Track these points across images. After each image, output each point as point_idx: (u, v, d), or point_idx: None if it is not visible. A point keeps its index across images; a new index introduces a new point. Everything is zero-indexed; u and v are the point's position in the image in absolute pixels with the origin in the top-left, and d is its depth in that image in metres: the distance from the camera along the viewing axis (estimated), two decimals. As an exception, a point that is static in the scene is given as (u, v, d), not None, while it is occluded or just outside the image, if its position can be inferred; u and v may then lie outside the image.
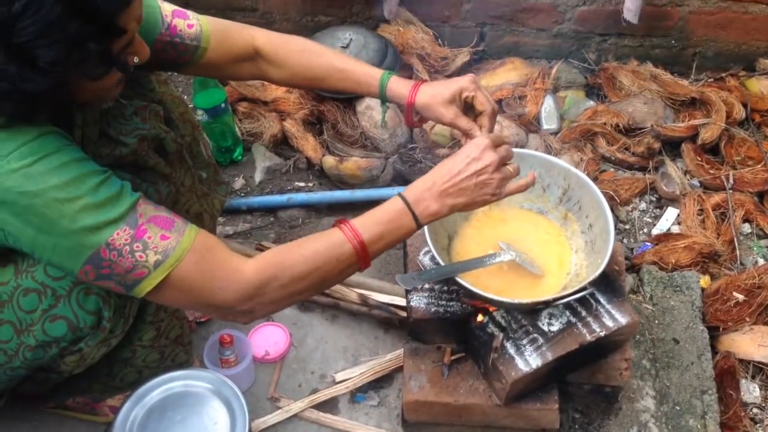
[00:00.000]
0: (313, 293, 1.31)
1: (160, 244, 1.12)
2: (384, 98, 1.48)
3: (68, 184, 1.07)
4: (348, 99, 2.34)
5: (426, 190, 1.26)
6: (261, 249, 2.00)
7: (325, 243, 1.22)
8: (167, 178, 1.40)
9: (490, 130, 1.42)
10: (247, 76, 1.56)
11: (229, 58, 1.49)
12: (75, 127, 1.21)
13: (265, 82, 2.46)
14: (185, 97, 2.50)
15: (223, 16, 2.59)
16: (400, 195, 1.26)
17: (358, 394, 1.76)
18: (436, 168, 1.29)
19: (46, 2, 0.96)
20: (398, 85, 1.45)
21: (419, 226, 1.26)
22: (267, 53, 1.49)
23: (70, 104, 1.19)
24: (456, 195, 1.26)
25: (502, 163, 1.29)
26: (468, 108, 1.45)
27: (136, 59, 1.14)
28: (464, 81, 1.42)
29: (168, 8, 1.41)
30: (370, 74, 1.47)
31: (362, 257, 1.23)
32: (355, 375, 1.77)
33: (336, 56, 1.51)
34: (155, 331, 1.42)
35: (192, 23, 1.42)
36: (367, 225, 1.23)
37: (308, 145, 2.29)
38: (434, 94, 1.42)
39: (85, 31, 1.00)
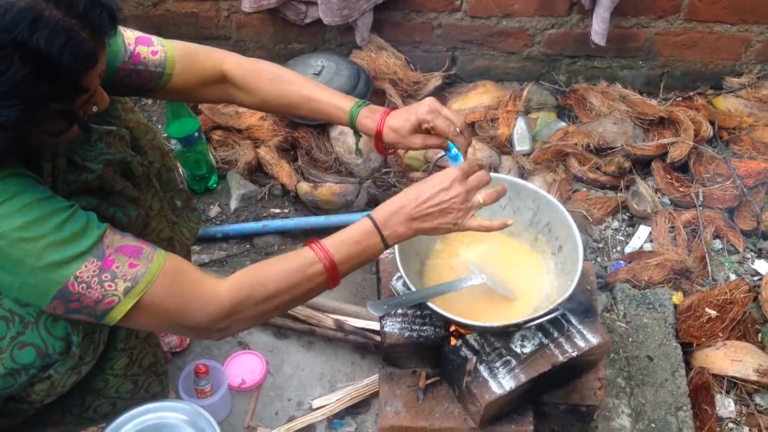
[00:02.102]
0: (284, 310, 1.33)
1: (129, 272, 1.13)
2: (355, 129, 1.50)
3: (32, 224, 1.08)
4: (321, 125, 2.36)
5: (394, 213, 1.29)
6: (236, 277, 2.00)
7: (297, 263, 1.24)
8: (135, 202, 1.41)
9: (463, 145, 1.44)
10: (215, 100, 1.58)
11: (196, 83, 1.50)
12: (43, 161, 1.22)
13: (240, 110, 2.48)
14: (159, 126, 2.51)
15: (196, 45, 2.63)
16: (369, 216, 1.29)
17: (335, 420, 1.76)
18: (405, 191, 1.32)
19: (13, 65, 0.97)
20: (366, 120, 1.47)
21: (386, 246, 1.29)
22: (236, 79, 1.50)
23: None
24: (421, 220, 1.29)
25: (473, 192, 1.33)
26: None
27: (95, 108, 1.16)
28: (421, 112, 1.43)
29: (131, 36, 1.42)
30: (339, 106, 1.49)
31: (332, 276, 1.26)
32: (332, 401, 1.77)
33: (307, 85, 1.52)
34: (127, 358, 1.42)
35: (156, 50, 1.43)
36: (337, 245, 1.26)
37: (283, 172, 2.30)
38: (398, 128, 1.45)
39: (49, 92, 1.02)
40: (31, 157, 1.19)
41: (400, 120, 1.45)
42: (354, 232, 1.28)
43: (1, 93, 0.99)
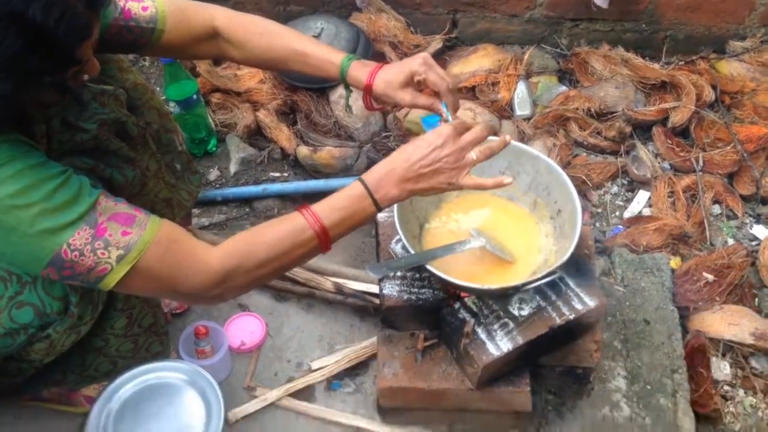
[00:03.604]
0: (277, 276, 1.33)
1: (122, 239, 1.13)
2: (346, 84, 1.49)
3: (23, 191, 1.08)
4: (321, 88, 2.34)
5: (386, 175, 1.28)
6: (236, 240, 2.00)
7: (288, 229, 1.24)
8: (132, 162, 1.40)
9: (452, 105, 1.43)
10: (208, 56, 1.56)
11: (189, 39, 1.48)
12: (36, 124, 1.21)
13: (238, 72, 2.46)
14: (157, 89, 2.49)
15: (194, 6, 2.60)
16: (360, 179, 1.28)
17: (334, 381, 1.78)
18: (396, 152, 1.31)
19: (8, 37, 0.96)
20: (358, 72, 1.46)
21: (379, 209, 1.29)
22: (226, 33, 1.49)
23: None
24: (414, 181, 1.28)
25: (467, 149, 1.31)
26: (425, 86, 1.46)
27: (86, 77, 1.15)
28: (414, 64, 1.42)
29: None
30: (330, 60, 1.48)
31: (323, 241, 1.26)
32: (331, 363, 1.79)
33: (297, 39, 1.50)
34: (127, 319, 1.43)
35: (146, 5, 1.41)
36: (327, 210, 1.26)
37: (282, 136, 2.29)
38: (389, 81, 1.44)
39: (43, 65, 1.01)
40: (23, 121, 1.18)
41: (392, 72, 1.44)
42: (345, 196, 1.27)
43: None
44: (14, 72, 0.99)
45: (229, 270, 1.20)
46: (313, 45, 1.50)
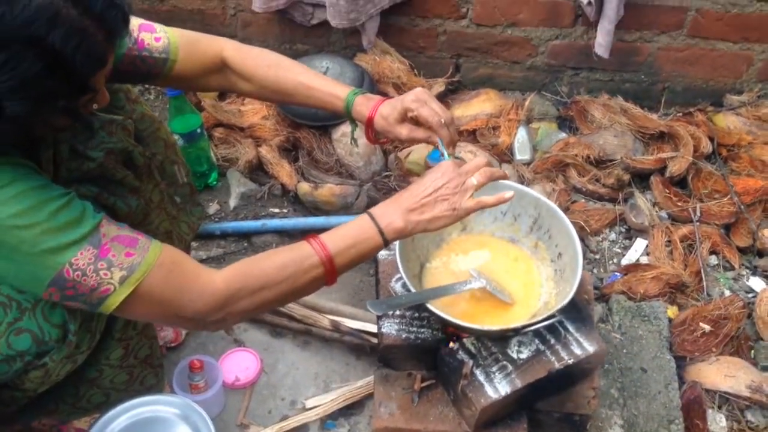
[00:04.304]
0: (280, 304, 1.35)
1: (126, 260, 1.13)
2: (350, 117, 1.51)
3: (26, 212, 1.08)
4: (324, 126, 2.36)
5: (391, 206, 1.31)
6: (234, 274, 1.99)
7: (293, 255, 1.25)
8: (136, 192, 1.41)
9: (447, 139, 1.44)
10: (216, 88, 1.58)
11: (199, 70, 1.50)
12: (43, 150, 1.22)
13: (242, 108, 2.48)
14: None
15: (202, 42, 2.63)
16: (367, 212, 1.30)
17: (328, 421, 1.75)
18: (403, 190, 1.34)
19: (26, 60, 0.97)
20: (362, 107, 1.48)
21: (386, 242, 1.29)
22: (235, 65, 1.50)
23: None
24: (419, 211, 1.30)
25: (468, 175, 1.33)
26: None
27: (95, 106, 1.16)
28: (407, 100, 1.44)
29: (134, 22, 1.41)
30: (336, 94, 1.50)
31: (329, 271, 1.26)
32: (326, 401, 1.76)
33: (305, 73, 1.52)
34: (123, 349, 1.41)
35: (159, 36, 1.43)
36: (334, 239, 1.26)
37: (283, 172, 2.30)
38: (387, 115, 1.46)
39: (58, 90, 1.02)
40: (31, 146, 1.19)
41: (389, 107, 1.46)
42: (352, 228, 1.29)
43: (12, 87, 0.98)
44: (29, 95, 1.00)
45: (232, 292, 1.20)
46: (320, 79, 1.52)
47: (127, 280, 1.13)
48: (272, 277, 1.23)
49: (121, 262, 1.13)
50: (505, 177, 1.41)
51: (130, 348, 1.43)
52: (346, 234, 1.28)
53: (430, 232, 1.35)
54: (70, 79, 1.03)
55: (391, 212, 1.29)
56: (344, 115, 1.51)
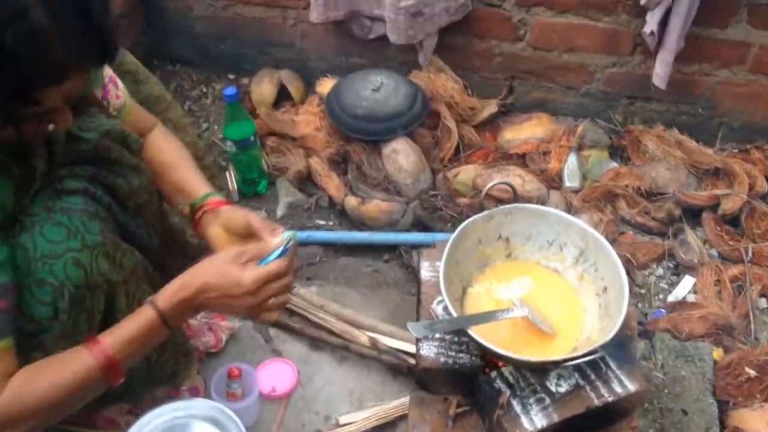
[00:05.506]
0: (65, 413, 1.29)
1: None
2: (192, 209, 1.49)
3: None
4: (375, 141, 2.37)
5: (179, 299, 1.25)
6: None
7: (73, 367, 1.21)
8: (136, 170, 1.41)
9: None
10: None
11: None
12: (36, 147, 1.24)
13: (296, 118, 2.51)
14: (215, 127, 2.55)
15: (260, 50, 2.69)
16: (152, 303, 1.25)
17: (360, 438, 1.76)
18: (194, 274, 1.27)
19: None
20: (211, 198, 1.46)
21: (173, 330, 1.29)
22: (147, 146, 1.51)
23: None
24: (210, 308, 1.29)
25: (267, 299, 1.27)
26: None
27: (51, 126, 1.16)
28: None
29: (107, 72, 1.44)
30: (200, 190, 1.48)
31: (112, 373, 1.23)
32: (359, 419, 1.76)
33: (190, 178, 1.50)
34: None
35: (120, 95, 1.46)
36: (116, 341, 1.23)
37: (332, 184, 2.32)
38: (229, 214, 1.43)
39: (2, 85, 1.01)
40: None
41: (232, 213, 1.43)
42: (136, 326, 1.25)
43: None
44: None
45: (10, 406, 1.15)
46: (192, 177, 1.50)
47: None
48: (51, 394, 1.19)
49: None
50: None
51: None
52: (131, 335, 1.24)
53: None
54: (12, 79, 1.01)
55: (179, 310, 1.25)
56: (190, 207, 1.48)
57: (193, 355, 1.68)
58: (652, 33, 2.28)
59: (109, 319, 1.37)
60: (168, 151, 1.53)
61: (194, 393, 1.76)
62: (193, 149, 1.72)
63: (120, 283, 1.35)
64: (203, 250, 1.55)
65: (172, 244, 1.67)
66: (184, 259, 1.62)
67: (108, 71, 1.44)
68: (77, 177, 1.22)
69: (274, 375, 1.84)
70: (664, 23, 2.28)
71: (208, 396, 1.74)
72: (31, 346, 1.29)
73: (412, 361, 1.80)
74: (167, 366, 1.52)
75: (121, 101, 1.47)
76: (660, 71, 2.37)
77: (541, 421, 1.48)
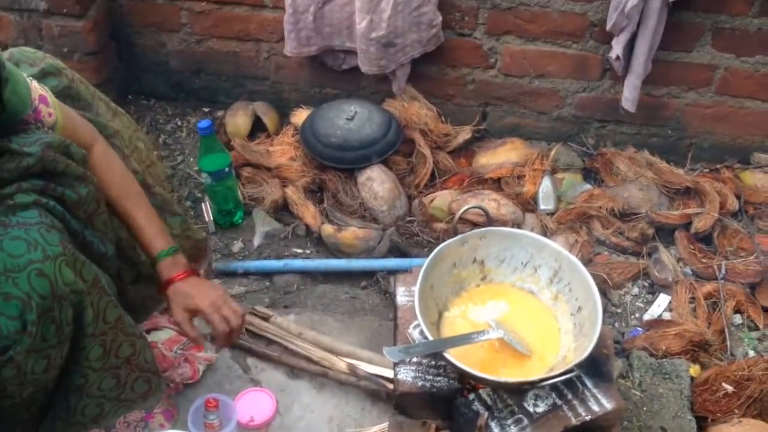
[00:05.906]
0: None
1: None
2: (155, 269, 1.59)
3: None
4: (350, 169, 2.39)
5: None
6: (254, 314, 2.01)
7: None
8: (83, 179, 1.41)
9: (223, 344, 1.63)
10: None
11: None
12: None
13: (270, 149, 2.52)
14: (191, 159, 2.56)
15: (234, 83, 2.70)
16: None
17: (340, 465, 1.75)
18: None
19: None
20: (166, 269, 1.58)
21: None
22: (93, 168, 1.51)
23: None
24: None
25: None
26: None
27: None
28: (204, 304, 1.57)
29: (35, 92, 1.43)
30: (153, 246, 1.58)
31: None
32: (339, 446, 1.76)
33: (142, 212, 1.58)
34: (101, 347, 1.38)
35: (52, 112, 1.45)
36: None
37: (308, 213, 2.32)
38: (181, 295, 1.58)
39: None
40: None
41: (183, 295, 1.58)
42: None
43: None
44: None
45: None
46: (150, 225, 1.59)
47: None
48: None
49: None
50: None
51: (107, 345, 1.39)
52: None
53: None
54: None
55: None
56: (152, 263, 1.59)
57: (162, 376, 1.66)
58: (618, 58, 2.33)
59: (78, 334, 1.35)
60: (113, 187, 1.55)
61: (168, 416, 1.74)
62: (156, 169, 1.76)
63: (85, 292, 1.33)
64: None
65: (123, 255, 1.66)
66: (135, 269, 1.62)
67: (34, 90, 1.42)
68: (27, 192, 1.23)
69: (252, 404, 1.82)
70: (630, 48, 2.33)
71: (183, 422, 1.72)
72: (0, 363, 1.27)
73: (391, 386, 1.79)
74: (138, 385, 1.48)
75: (53, 118, 1.46)
76: (628, 95, 2.42)
77: (519, 442, 1.49)
